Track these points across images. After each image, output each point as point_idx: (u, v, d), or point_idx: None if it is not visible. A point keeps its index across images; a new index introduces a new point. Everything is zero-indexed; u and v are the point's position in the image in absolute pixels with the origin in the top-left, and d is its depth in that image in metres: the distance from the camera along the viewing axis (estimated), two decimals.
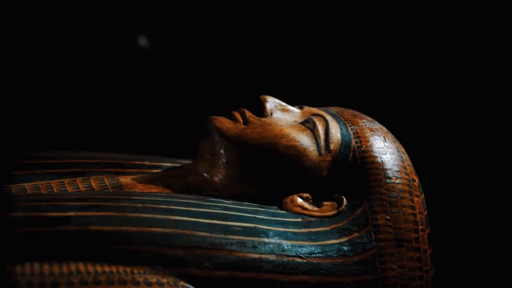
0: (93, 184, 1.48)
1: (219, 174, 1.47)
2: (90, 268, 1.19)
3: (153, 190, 1.46)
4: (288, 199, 1.44)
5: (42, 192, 1.42)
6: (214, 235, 1.28)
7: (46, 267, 1.18)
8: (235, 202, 1.40)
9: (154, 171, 1.58)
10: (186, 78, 2.15)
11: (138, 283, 1.19)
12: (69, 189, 1.45)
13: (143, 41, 2.14)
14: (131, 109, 2.11)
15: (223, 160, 1.47)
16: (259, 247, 1.31)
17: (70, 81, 2.05)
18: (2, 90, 2.04)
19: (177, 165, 1.62)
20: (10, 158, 1.48)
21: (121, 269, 1.20)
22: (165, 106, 2.14)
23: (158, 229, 1.25)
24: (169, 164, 1.62)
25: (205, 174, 1.47)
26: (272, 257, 1.31)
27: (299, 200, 1.44)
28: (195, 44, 2.03)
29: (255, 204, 1.41)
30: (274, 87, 1.80)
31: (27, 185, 1.43)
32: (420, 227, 1.43)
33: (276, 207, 1.43)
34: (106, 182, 1.49)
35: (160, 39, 2.04)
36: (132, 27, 2.13)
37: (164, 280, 1.22)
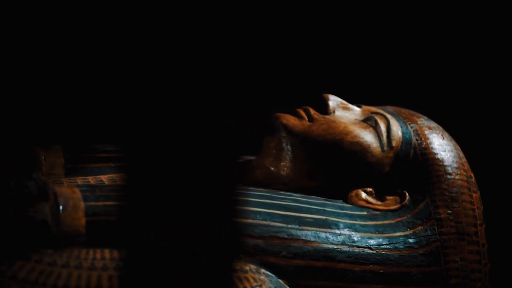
0: None
1: (285, 169, 1.52)
2: None
3: None
4: (353, 193, 1.50)
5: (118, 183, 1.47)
6: (290, 226, 1.35)
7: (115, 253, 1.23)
8: (303, 195, 1.46)
9: None
10: (242, 78, 2.19)
11: None
12: None
13: (163, 41, 2.19)
14: (192, 106, 2.15)
15: (289, 155, 1.52)
16: (331, 238, 1.37)
17: (125, 80, 2.09)
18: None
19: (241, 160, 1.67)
20: (86, 151, 1.54)
21: None
22: (224, 105, 2.19)
23: (239, 219, 1.31)
24: None
25: (272, 169, 1.52)
26: (344, 248, 1.37)
27: (364, 195, 1.50)
28: (258, 44, 2.08)
29: (322, 198, 1.47)
30: (325, 86, 1.85)
31: (103, 178, 1.49)
32: (478, 222, 1.49)
33: (341, 200, 1.49)
34: None
35: (221, 38, 2.08)
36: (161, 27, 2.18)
37: (247, 267, 1.27)
